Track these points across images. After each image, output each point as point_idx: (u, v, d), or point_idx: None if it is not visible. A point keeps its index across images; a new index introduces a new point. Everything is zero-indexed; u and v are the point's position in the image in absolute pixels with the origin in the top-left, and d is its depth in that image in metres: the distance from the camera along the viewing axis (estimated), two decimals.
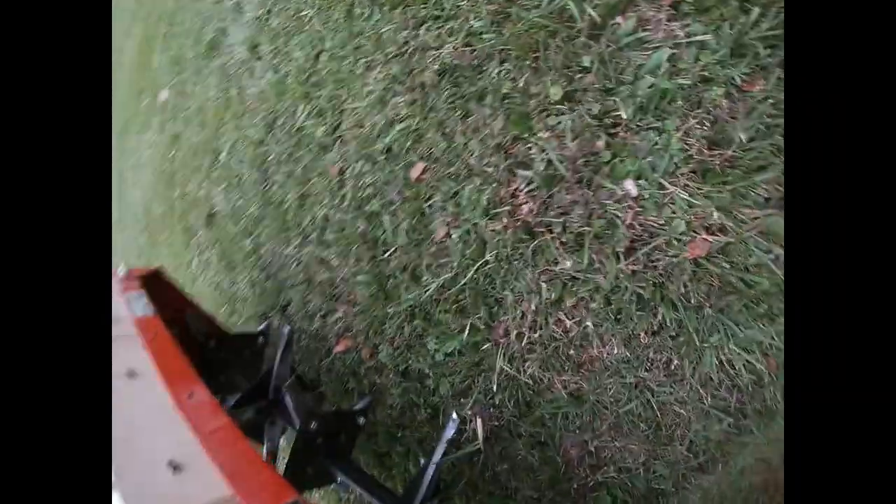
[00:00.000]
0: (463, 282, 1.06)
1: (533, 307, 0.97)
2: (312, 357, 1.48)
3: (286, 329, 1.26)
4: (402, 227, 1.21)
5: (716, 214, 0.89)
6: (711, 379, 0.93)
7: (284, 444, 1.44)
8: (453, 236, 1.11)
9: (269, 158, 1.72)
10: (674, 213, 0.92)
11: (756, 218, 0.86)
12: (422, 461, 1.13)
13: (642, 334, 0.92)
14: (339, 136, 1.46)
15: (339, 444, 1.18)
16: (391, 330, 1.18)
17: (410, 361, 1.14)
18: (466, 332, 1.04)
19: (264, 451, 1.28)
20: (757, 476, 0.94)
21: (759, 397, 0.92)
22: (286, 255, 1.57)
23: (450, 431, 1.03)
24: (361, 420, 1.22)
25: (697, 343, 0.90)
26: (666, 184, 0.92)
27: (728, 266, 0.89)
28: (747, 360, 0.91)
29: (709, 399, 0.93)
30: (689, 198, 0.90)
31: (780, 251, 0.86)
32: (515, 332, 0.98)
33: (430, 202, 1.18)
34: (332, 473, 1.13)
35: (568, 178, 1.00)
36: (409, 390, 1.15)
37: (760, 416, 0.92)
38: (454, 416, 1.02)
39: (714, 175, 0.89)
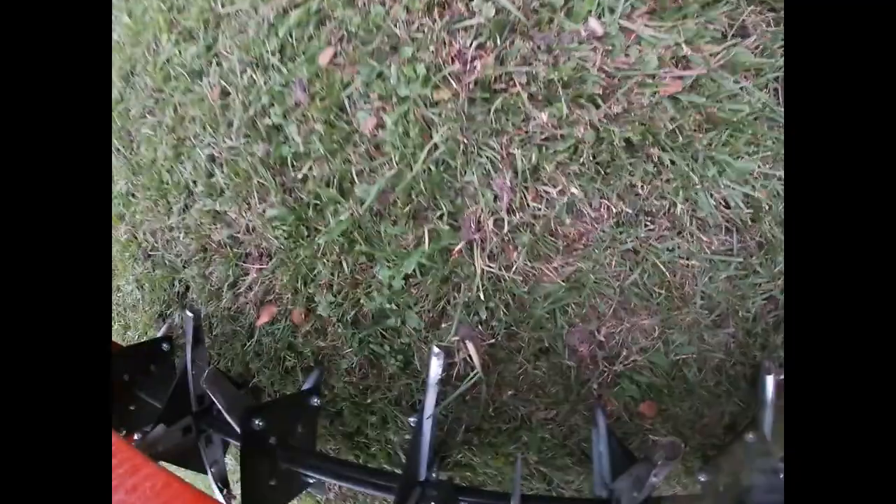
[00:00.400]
0: (410, 177, 0.79)
1: (508, 183, 0.74)
2: (232, 344, 1.11)
3: (189, 318, 0.89)
4: (316, 132, 0.89)
5: (684, 47, 0.78)
6: (710, 223, 0.81)
7: (232, 463, 1.09)
8: (388, 124, 0.83)
9: (130, 115, 1.23)
10: (642, 50, 0.77)
11: (719, 52, 0.79)
12: (411, 420, 0.88)
13: (639, 184, 0.76)
14: (216, 54, 1.05)
15: (296, 437, 0.89)
16: (325, 272, 0.88)
17: (360, 304, 0.86)
18: (427, 240, 0.79)
19: (211, 480, 0.92)
20: (768, 316, 0.86)
21: (758, 231, 0.84)
22: (169, 226, 1.14)
23: (436, 371, 0.79)
24: (315, 400, 0.94)
25: (696, 180, 0.76)
26: (627, 24, 0.76)
27: (705, 98, 0.77)
28: (743, 194, 0.80)
29: (712, 245, 0.81)
30: (654, 33, 0.75)
31: (747, 82, 0.81)
32: (491, 220, 0.75)
33: (349, 90, 0.87)
34: (299, 477, 0.84)
35: (524, 21, 0.77)
36: (366, 341, 0.88)
37: (762, 250, 0.84)
38: (435, 349, 0.78)
39: (671, 12, 0.79)
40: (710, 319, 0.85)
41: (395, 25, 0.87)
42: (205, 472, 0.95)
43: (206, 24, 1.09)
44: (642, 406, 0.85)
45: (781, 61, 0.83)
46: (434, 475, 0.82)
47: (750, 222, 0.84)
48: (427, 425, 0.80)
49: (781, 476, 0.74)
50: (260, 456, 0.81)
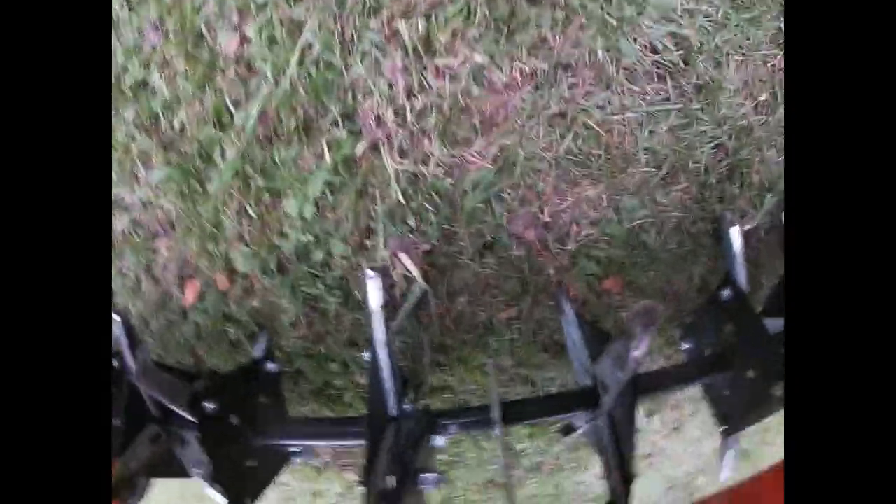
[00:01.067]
0: (287, 87, 0.66)
1: (399, 64, 0.62)
2: (172, 334, 0.99)
3: (118, 322, 0.75)
4: (179, 73, 0.74)
5: None
6: (639, 71, 0.71)
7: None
8: (252, 37, 0.68)
9: None
10: None
11: None
12: (365, 356, 0.80)
13: (550, 36, 0.64)
14: None
15: (263, 409, 0.80)
16: (230, 223, 0.76)
17: (278, 247, 0.75)
18: (326, 153, 0.67)
19: (202, 483, 0.83)
20: (720, 166, 0.79)
21: (693, 73, 0.76)
22: None
23: (375, 296, 0.70)
24: (271, 366, 0.85)
25: (613, 23, 0.65)
26: None
27: None
28: (669, 33, 0.70)
29: (646, 95, 0.72)
30: None
31: None
32: (390, 110, 0.64)
33: (203, 14, 0.72)
34: (279, 450, 0.78)
35: None
36: (298, 286, 0.77)
37: (700, 93, 0.76)
38: (368, 272, 0.69)
39: None
40: (659, 177, 0.77)
41: None
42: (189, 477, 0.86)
43: None
44: (606, 282, 0.79)
45: None
46: (408, 407, 0.75)
47: (682, 65, 0.75)
48: (383, 355, 0.71)
49: (766, 328, 0.70)
50: (225, 440, 0.72)
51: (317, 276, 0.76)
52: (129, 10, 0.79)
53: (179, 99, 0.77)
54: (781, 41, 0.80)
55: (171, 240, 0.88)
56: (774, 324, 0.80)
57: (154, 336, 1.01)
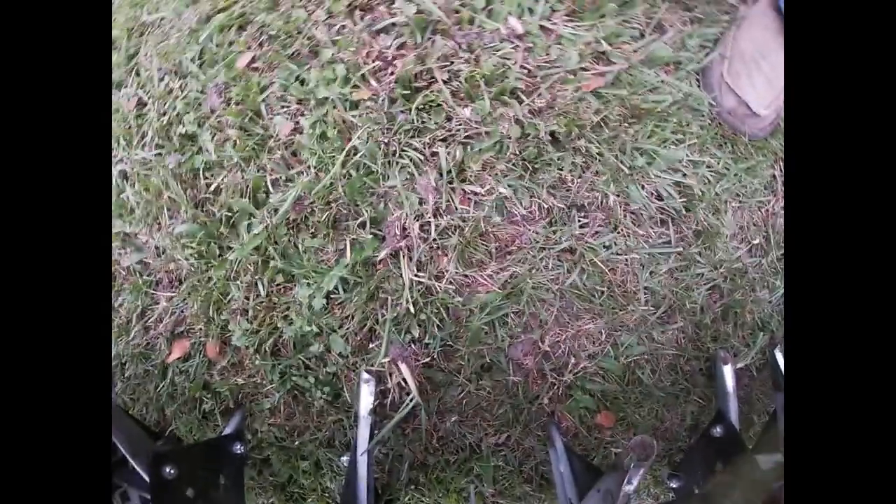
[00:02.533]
0: (328, 182, 0.68)
1: (432, 184, 0.65)
2: (145, 386, 0.92)
3: None
4: (230, 139, 0.77)
5: (604, 44, 0.72)
6: (644, 216, 0.76)
7: None
8: (304, 128, 0.72)
9: None
10: (563, 47, 0.73)
11: (638, 48, 0.77)
12: (343, 460, 0.74)
13: (569, 178, 0.69)
14: (136, 63, 0.91)
15: (220, 491, 0.72)
16: (239, 295, 0.74)
17: (279, 330, 0.73)
18: (349, 251, 0.67)
19: None
20: (715, 306, 0.81)
21: (693, 220, 0.79)
22: None
23: (367, 400, 0.66)
24: (238, 447, 0.78)
25: (625, 171, 0.71)
26: (547, 24, 0.72)
27: (627, 92, 0.73)
28: (674, 182, 0.76)
29: (649, 238, 0.75)
30: (574, 31, 0.72)
31: (667, 76, 0.79)
32: (416, 225, 0.66)
33: (266, 94, 0.77)
34: None
35: (444, 20, 0.71)
36: (288, 373, 0.74)
37: (699, 238, 0.80)
38: (364, 375, 0.66)
39: (590, 13, 0.76)
40: (656, 316, 0.78)
41: (316, 28, 0.79)
42: None
43: (129, 32, 0.96)
44: (599, 417, 0.76)
45: (699, 55, 0.82)
46: None
47: (684, 211, 0.80)
48: (362, 463, 0.66)
49: (759, 464, 0.68)
50: None
51: (309, 368, 0.72)
52: (199, 67, 0.85)
53: (223, 164, 0.79)
54: (775, 187, 0.86)
55: (175, 293, 0.86)
56: (766, 460, 0.76)
57: (126, 382, 0.94)
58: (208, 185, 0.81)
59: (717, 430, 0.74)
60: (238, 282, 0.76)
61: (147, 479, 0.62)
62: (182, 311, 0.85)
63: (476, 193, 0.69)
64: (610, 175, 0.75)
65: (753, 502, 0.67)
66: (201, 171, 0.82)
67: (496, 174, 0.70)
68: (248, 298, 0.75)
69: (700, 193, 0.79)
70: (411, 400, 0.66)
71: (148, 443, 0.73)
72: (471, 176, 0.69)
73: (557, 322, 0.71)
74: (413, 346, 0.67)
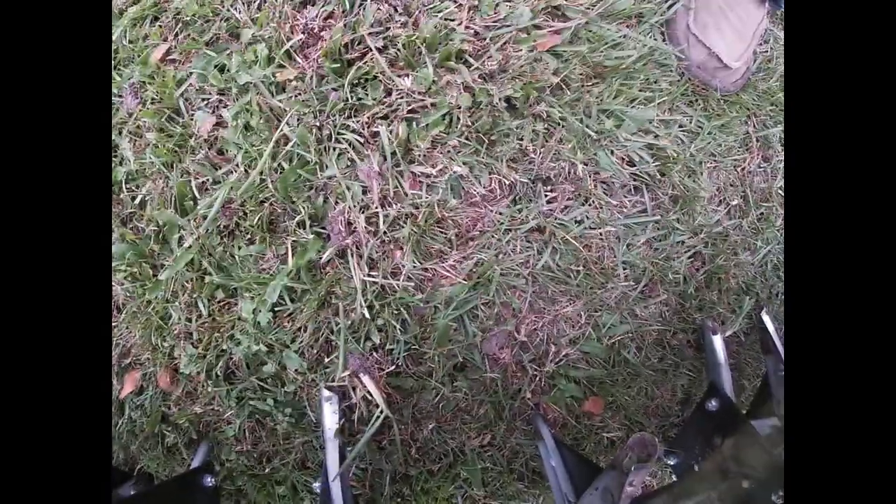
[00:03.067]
0: (257, 180, 0.59)
1: (376, 168, 0.57)
2: None
3: None
4: (150, 144, 0.67)
5: None
6: (616, 184, 0.69)
7: None
8: (227, 121, 0.63)
9: None
10: (512, 4, 0.65)
11: (595, 2, 0.69)
12: (315, 486, 0.67)
13: (530, 148, 0.61)
14: None
15: None
16: (179, 316, 0.66)
17: (227, 351, 0.64)
18: (290, 256, 0.59)
19: None
20: (698, 274, 0.76)
21: (669, 184, 0.73)
22: None
23: (331, 420, 0.59)
24: (209, 480, 0.70)
25: (592, 136, 0.63)
26: None
27: (587, 49, 0.65)
28: (646, 145, 0.69)
29: (624, 208, 0.69)
30: None
31: (629, 30, 0.71)
32: (362, 217, 0.57)
33: (184, 88, 0.67)
34: None
35: None
36: (245, 398, 0.66)
37: (677, 204, 0.74)
38: (325, 392, 0.58)
39: None
40: (638, 291, 0.72)
41: (234, 8, 0.68)
42: None
43: None
44: (587, 404, 0.70)
45: (663, 6, 0.74)
46: None
47: (659, 176, 0.74)
48: (336, 489, 0.59)
49: (758, 434, 0.65)
50: None
51: (266, 389, 0.64)
52: (114, 68, 0.74)
53: (146, 172, 0.70)
54: (750, 144, 0.81)
55: (116, 323, 0.76)
56: (762, 424, 0.73)
57: None
58: (133, 198, 0.71)
59: (712, 404, 0.69)
60: (177, 303, 0.67)
61: None
62: (126, 341, 0.76)
63: (427, 175, 0.61)
64: (576, 142, 0.67)
65: (757, 473, 0.63)
66: (123, 184, 0.72)
67: (448, 151, 0.62)
68: (189, 320, 0.66)
69: (674, 155, 0.72)
70: (381, 413, 0.59)
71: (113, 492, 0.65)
72: (419, 156, 0.61)
73: (532, 309, 0.65)
74: (374, 354, 0.59)
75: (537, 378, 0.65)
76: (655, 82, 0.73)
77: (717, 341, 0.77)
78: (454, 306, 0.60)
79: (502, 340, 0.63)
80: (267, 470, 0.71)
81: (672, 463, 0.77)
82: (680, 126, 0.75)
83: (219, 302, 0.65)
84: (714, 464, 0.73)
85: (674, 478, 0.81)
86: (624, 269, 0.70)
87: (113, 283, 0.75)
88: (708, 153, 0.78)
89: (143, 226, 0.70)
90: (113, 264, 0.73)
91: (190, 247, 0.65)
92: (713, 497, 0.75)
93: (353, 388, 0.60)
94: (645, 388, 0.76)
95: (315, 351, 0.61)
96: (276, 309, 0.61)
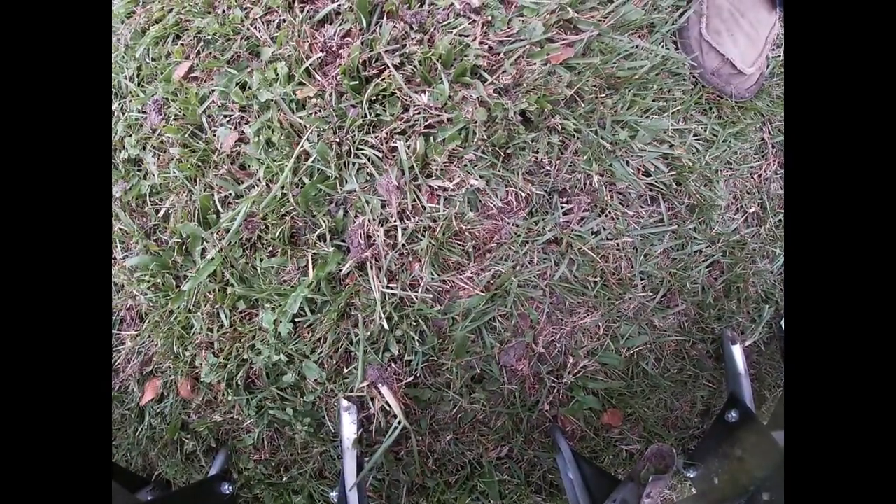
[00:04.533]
0: (279, 195, 0.61)
1: (394, 183, 0.58)
2: (125, 432, 0.85)
3: None
4: (174, 159, 0.69)
5: (570, 11, 0.67)
6: (632, 195, 0.69)
7: None
8: (249, 136, 0.65)
9: None
10: (525, 18, 0.66)
11: (606, 14, 0.69)
12: (332, 496, 0.68)
13: (546, 160, 0.62)
14: None
15: None
16: (201, 326, 0.67)
17: (248, 360, 0.65)
18: (311, 268, 0.60)
19: None
20: (716, 283, 0.75)
21: (685, 193, 0.73)
22: None
23: (349, 430, 0.60)
24: (226, 488, 0.72)
25: (607, 147, 0.64)
26: None
27: (600, 60, 0.66)
28: (661, 154, 0.69)
29: (640, 219, 0.69)
30: (535, 0, 0.64)
31: (641, 40, 0.72)
32: (381, 231, 0.58)
33: (207, 105, 0.69)
34: None
35: (392, 1, 0.63)
36: (264, 407, 0.67)
37: (693, 213, 0.73)
38: (343, 403, 0.59)
39: None
40: (656, 301, 0.72)
41: (254, 27, 0.71)
42: None
43: None
44: (605, 416, 0.70)
45: (673, 15, 0.75)
46: None
47: (675, 185, 0.74)
48: (353, 499, 0.60)
49: (778, 446, 0.63)
50: None
51: (286, 399, 0.65)
52: (138, 84, 0.77)
53: (169, 186, 0.72)
54: (766, 151, 0.81)
55: (138, 332, 0.79)
56: (783, 436, 0.71)
57: None
58: (157, 211, 0.74)
59: (732, 416, 0.68)
60: (199, 313, 0.69)
61: None
62: (148, 350, 0.78)
63: (444, 189, 0.62)
64: (591, 153, 0.68)
65: (777, 487, 0.62)
66: (147, 197, 0.74)
67: (465, 165, 0.63)
68: (211, 330, 0.68)
69: (690, 164, 0.72)
70: (398, 424, 0.59)
71: (129, 498, 0.67)
72: (437, 170, 0.62)
73: (550, 320, 0.65)
74: (393, 365, 0.60)
75: (555, 390, 0.65)
76: (669, 91, 0.73)
77: (737, 351, 0.76)
78: (472, 318, 0.61)
79: (520, 352, 0.63)
80: (284, 479, 0.72)
81: (692, 476, 0.76)
82: (695, 135, 0.75)
83: (240, 312, 0.67)
84: (734, 476, 0.71)
85: (693, 491, 0.80)
86: (641, 279, 0.70)
87: (136, 293, 0.77)
88: (724, 161, 0.78)
89: (167, 238, 0.72)
90: (136, 275, 0.75)
91: (213, 259, 0.67)
92: None
93: (372, 399, 0.60)
94: (664, 399, 0.75)
95: (334, 361, 0.62)
96: (296, 320, 0.62)
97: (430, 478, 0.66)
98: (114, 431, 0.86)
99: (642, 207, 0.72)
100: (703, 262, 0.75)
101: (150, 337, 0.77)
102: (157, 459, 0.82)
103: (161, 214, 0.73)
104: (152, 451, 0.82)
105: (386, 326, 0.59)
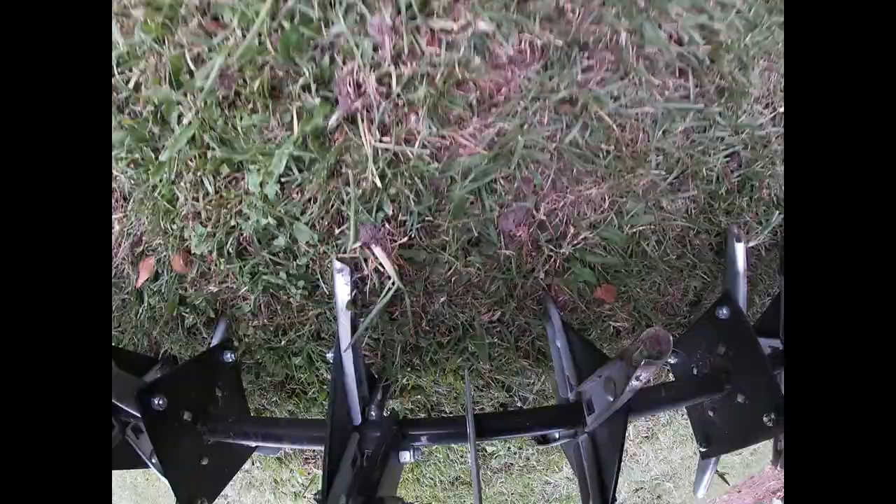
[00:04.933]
0: (254, 42, 0.53)
1: (389, 23, 0.50)
2: (127, 315, 0.88)
3: None
4: (138, 21, 0.60)
5: None
6: (661, 63, 0.61)
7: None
8: None
9: None
10: None
11: None
12: (329, 356, 0.71)
13: (568, 7, 0.53)
14: None
15: (219, 404, 0.72)
16: (185, 197, 0.64)
17: (237, 227, 0.63)
18: (296, 123, 0.55)
19: (156, 473, 0.73)
20: (732, 176, 0.70)
21: (717, 73, 0.67)
22: None
23: (343, 292, 0.60)
24: (229, 356, 0.75)
25: (640, 3, 0.54)
26: None
27: None
28: (699, 25, 0.60)
29: (665, 90, 0.62)
30: None
31: None
32: (374, 78, 0.52)
33: None
34: (234, 447, 0.70)
35: None
36: (258, 273, 0.67)
37: (722, 97, 0.68)
38: (336, 264, 0.58)
39: None
40: (668, 182, 0.68)
41: None
42: (147, 467, 0.77)
43: None
44: (599, 291, 0.70)
45: None
46: (373, 413, 0.66)
47: (708, 62, 0.66)
48: (347, 359, 0.62)
49: (763, 353, 0.65)
50: (176, 438, 0.64)
51: (278, 263, 0.65)
52: None
53: (137, 53, 0.64)
54: None
55: (124, 214, 0.76)
56: (765, 343, 0.74)
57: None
58: (127, 82, 0.66)
59: (723, 312, 0.69)
60: (182, 183, 0.65)
61: (140, 416, 0.59)
62: (137, 230, 0.76)
63: (447, 31, 0.54)
64: (621, 7, 0.59)
65: (753, 392, 0.64)
66: (115, 68, 0.66)
67: (472, 4, 0.54)
68: (196, 200, 0.65)
69: (727, 42, 0.64)
70: (392, 285, 0.59)
71: (133, 381, 0.69)
72: (439, 7, 0.54)
73: (554, 187, 0.62)
74: (387, 225, 0.58)
75: (552, 259, 0.64)
76: None
77: (740, 249, 0.74)
78: (472, 178, 0.58)
79: (520, 217, 0.61)
80: (283, 342, 0.75)
81: (672, 362, 0.79)
82: (738, 12, 0.65)
83: (224, 178, 0.63)
84: (713, 372, 0.74)
85: (671, 377, 0.83)
86: (657, 155, 0.66)
87: (116, 172, 0.73)
88: (764, 50, 0.69)
89: (140, 109, 0.66)
90: (113, 153, 0.70)
91: (190, 123, 0.61)
92: (706, 404, 0.77)
93: (365, 260, 0.60)
94: (658, 283, 0.76)
95: (326, 223, 0.60)
96: (283, 180, 0.59)
97: (423, 338, 0.69)
98: (116, 317, 0.89)
99: (669, 79, 0.65)
100: (723, 150, 0.71)
101: (136, 216, 0.75)
102: (160, 337, 0.85)
103: (131, 84, 0.65)
104: (155, 330, 0.84)
105: (379, 184, 0.56)
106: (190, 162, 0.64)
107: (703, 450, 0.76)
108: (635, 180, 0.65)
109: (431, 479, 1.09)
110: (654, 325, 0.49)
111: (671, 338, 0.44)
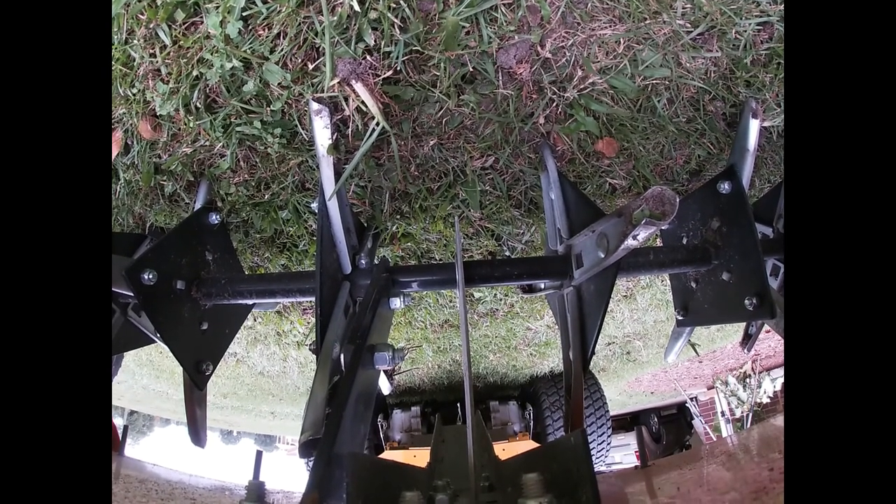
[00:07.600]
0: None
1: None
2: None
3: None
4: None
5: None
6: None
7: None
8: None
9: None
10: None
11: None
12: (312, 206, 0.73)
13: None
14: None
15: (211, 267, 0.77)
16: (141, 54, 0.59)
17: (201, 77, 0.59)
18: None
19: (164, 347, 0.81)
20: (761, 46, 0.63)
21: None
22: None
23: (322, 136, 0.59)
24: (214, 218, 0.80)
25: None
26: None
27: None
28: None
29: None
30: None
31: None
32: None
33: None
34: (232, 307, 0.78)
35: None
36: (231, 124, 0.67)
37: None
38: (314, 106, 0.56)
39: None
40: (692, 36, 0.63)
41: None
42: (155, 342, 0.85)
43: None
44: (600, 143, 0.70)
45: None
46: (363, 261, 0.71)
47: None
48: (333, 208, 0.65)
49: (756, 236, 0.65)
50: (173, 308, 0.69)
51: (252, 111, 0.62)
52: None
53: None
54: None
55: None
56: (759, 229, 0.74)
57: None
58: None
59: (725, 187, 0.69)
60: (135, 41, 0.58)
61: (132, 294, 0.61)
62: None
63: None
64: None
65: (740, 273, 0.65)
66: None
67: None
68: (153, 56, 0.59)
69: None
70: (377, 125, 0.58)
71: (119, 262, 0.70)
72: None
73: (564, 21, 0.56)
74: (368, 57, 0.55)
75: (554, 104, 0.63)
76: None
77: (754, 126, 0.74)
78: (468, 2, 0.51)
79: (522, 53, 0.57)
80: (267, 196, 0.77)
81: (664, 227, 0.80)
82: None
83: (181, 24, 0.59)
84: (702, 244, 0.76)
85: (659, 242, 0.87)
86: (685, 4, 0.57)
87: None
88: None
89: None
90: None
91: None
92: (690, 275, 0.80)
93: (346, 99, 0.58)
94: (663, 145, 0.76)
95: (299, 59, 0.57)
96: (245, 15, 0.54)
97: (412, 184, 0.71)
98: None
99: None
100: (758, 17, 0.64)
101: None
102: (143, 211, 0.87)
103: None
104: (136, 205, 0.86)
105: (357, 7, 0.51)
106: (140, 15, 0.57)
107: (679, 318, 0.83)
108: (656, 27, 0.60)
109: (422, 322, 1.25)
110: (663, 186, 0.48)
111: (678, 199, 0.43)
